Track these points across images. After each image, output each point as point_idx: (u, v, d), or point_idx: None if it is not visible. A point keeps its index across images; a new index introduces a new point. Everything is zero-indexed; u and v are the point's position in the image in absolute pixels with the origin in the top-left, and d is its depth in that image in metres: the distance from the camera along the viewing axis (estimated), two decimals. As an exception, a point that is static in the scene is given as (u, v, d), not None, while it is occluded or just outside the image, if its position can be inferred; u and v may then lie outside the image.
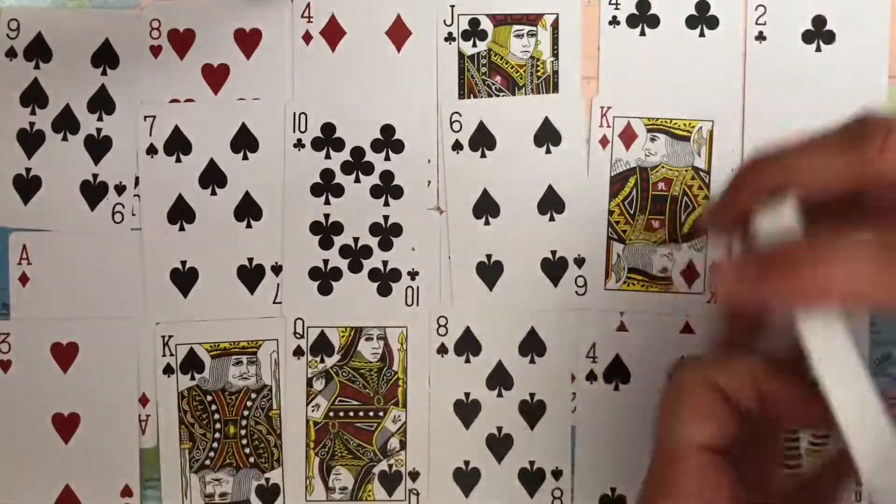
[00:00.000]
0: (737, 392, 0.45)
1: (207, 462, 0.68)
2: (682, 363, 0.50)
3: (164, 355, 0.68)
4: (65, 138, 0.68)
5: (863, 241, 0.40)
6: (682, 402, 0.46)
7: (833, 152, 0.43)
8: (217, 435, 0.68)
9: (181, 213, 0.68)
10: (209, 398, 0.68)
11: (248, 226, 0.68)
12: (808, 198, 0.44)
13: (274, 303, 0.68)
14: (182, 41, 0.68)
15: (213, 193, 0.68)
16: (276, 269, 0.68)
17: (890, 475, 0.42)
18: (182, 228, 0.68)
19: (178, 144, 0.68)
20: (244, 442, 0.68)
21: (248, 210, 0.68)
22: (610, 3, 0.68)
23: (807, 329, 0.43)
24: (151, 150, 0.68)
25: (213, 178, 0.68)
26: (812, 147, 0.44)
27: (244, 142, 0.68)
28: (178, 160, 0.68)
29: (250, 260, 0.68)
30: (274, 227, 0.68)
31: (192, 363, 0.68)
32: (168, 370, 0.68)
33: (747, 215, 0.46)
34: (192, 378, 0.68)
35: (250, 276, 0.68)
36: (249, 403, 0.68)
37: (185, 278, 0.68)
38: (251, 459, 0.68)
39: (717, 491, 0.45)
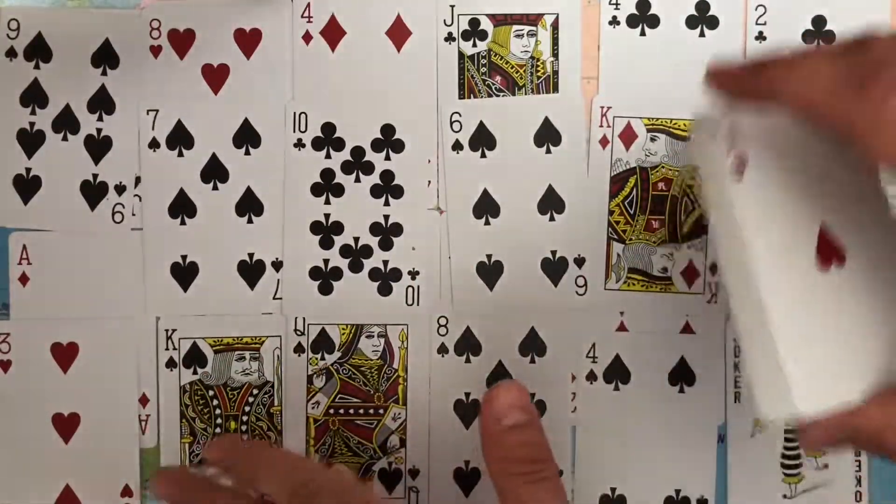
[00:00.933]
0: None
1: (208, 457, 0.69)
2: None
3: (167, 349, 0.68)
4: (65, 138, 0.68)
5: (829, 60, 0.40)
6: None
7: (832, 81, 0.40)
8: (218, 430, 0.69)
9: (182, 207, 0.68)
10: (211, 393, 0.68)
11: (250, 221, 0.68)
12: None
13: (274, 298, 0.68)
14: (182, 41, 0.68)
15: (215, 188, 0.68)
16: (277, 265, 0.68)
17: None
18: (183, 223, 0.68)
19: (180, 139, 0.68)
20: (244, 438, 0.68)
21: (249, 205, 0.68)
22: (610, 3, 0.68)
23: (699, 156, 0.45)
24: (154, 144, 0.68)
25: (214, 172, 0.68)
26: (812, 68, 0.41)
27: (246, 137, 0.68)
28: (181, 154, 0.68)
29: (251, 255, 0.68)
30: (275, 223, 0.68)
31: (194, 357, 0.68)
32: (171, 364, 0.68)
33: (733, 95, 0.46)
34: (195, 372, 0.68)
35: (250, 271, 0.68)
36: (251, 399, 0.68)
37: (185, 273, 0.68)
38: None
39: None
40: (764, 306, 0.42)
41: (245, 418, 0.68)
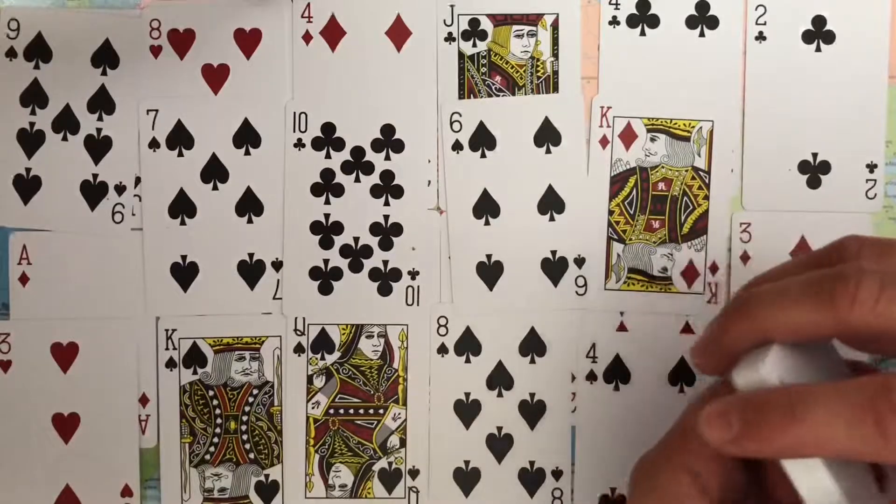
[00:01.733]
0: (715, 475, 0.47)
1: (207, 457, 0.69)
2: (652, 458, 0.49)
3: (166, 349, 0.68)
4: (65, 138, 0.68)
5: (796, 290, 0.42)
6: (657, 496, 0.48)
7: (805, 307, 0.42)
8: (218, 430, 0.69)
9: (182, 207, 0.68)
10: (211, 393, 0.68)
11: (249, 221, 0.68)
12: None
13: (274, 299, 0.68)
14: (182, 41, 0.68)
15: (215, 188, 0.68)
16: (277, 265, 0.68)
17: None
18: (183, 223, 0.68)
19: (180, 139, 0.68)
20: (244, 437, 0.69)
21: (249, 205, 0.68)
22: (610, 3, 0.68)
23: (792, 472, 0.43)
24: (154, 144, 0.68)
25: (214, 172, 0.68)
26: (785, 301, 0.43)
27: (246, 137, 0.68)
28: (181, 154, 0.68)
29: (251, 255, 0.68)
30: (275, 223, 0.68)
31: (194, 357, 0.68)
32: (170, 364, 0.68)
33: (731, 363, 0.47)
34: (195, 372, 0.68)
35: (250, 271, 0.68)
36: (251, 399, 0.68)
37: (185, 273, 0.68)
38: (251, 455, 0.69)
39: None
40: None
41: (245, 418, 0.68)
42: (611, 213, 0.68)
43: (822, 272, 0.43)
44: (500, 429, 0.68)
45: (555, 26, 0.68)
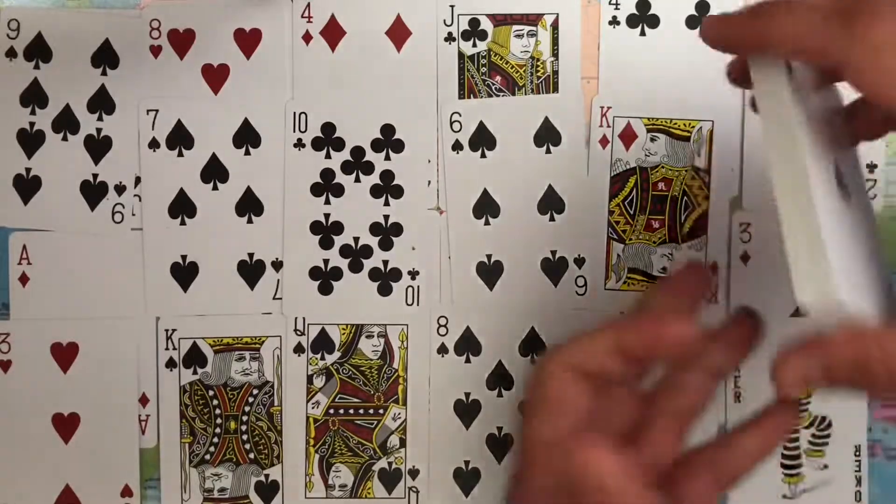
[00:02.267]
0: (600, 365, 0.48)
1: (207, 457, 0.69)
2: (541, 358, 0.51)
3: (166, 349, 0.68)
4: (65, 138, 0.68)
5: (818, 2, 0.42)
6: (540, 398, 0.49)
7: (818, 18, 0.42)
8: (218, 430, 0.69)
9: (182, 207, 0.68)
10: (211, 393, 0.68)
11: (249, 221, 0.68)
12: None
13: (274, 299, 0.68)
14: (182, 41, 0.68)
15: (215, 188, 0.68)
16: (277, 265, 0.68)
17: (817, 263, 0.43)
18: (183, 223, 0.68)
19: (180, 139, 0.68)
20: (244, 438, 0.69)
21: (249, 205, 0.68)
22: (610, 3, 0.68)
23: (756, 81, 0.45)
24: (154, 144, 0.68)
25: (214, 172, 0.68)
26: (799, 8, 0.43)
27: (246, 137, 0.68)
28: (181, 154, 0.68)
29: (251, 255, 0.68)
30: (275, 223, 0.68)
31: (194, 357, 0.68)
32: (171, 364, 0.68)
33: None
34: (195, 372, 0.68)
35: (250, 271, 0.68)
36: (251, 399, 0.68)
37: (185, 273, 0.68)
38: (251, 455, 0.69)
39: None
40: (812, 199, 0.43)
41: (245, 418, 0.68)
42: (611, 213, 0.68)
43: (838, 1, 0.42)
44: (500, 429, 0.68)
45: (555, 26, 0.68)
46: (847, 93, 0.47)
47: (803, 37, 0.42)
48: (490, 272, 0.68)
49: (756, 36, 0.44)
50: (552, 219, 0.68)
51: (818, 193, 0.43)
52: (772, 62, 0.45)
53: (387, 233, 0.68)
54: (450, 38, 0.68)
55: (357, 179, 0.68)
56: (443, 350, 0.68)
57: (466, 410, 0.68)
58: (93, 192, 0.68)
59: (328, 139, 0.68)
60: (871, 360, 0.43)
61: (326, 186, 0.68)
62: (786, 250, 0.44)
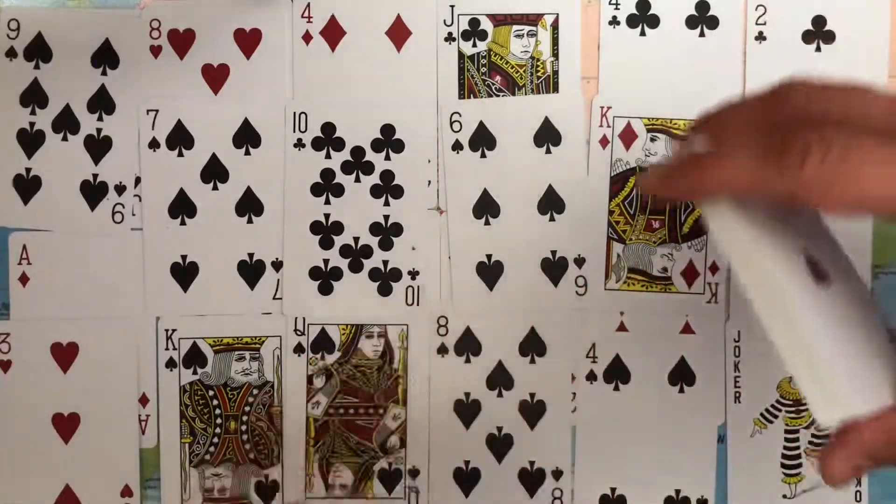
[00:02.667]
0: None
1: (207, 457, 0.69)
2: None
3: (166, 349, 0.68)
4: (65, 138, 0.68)
5: (743, 145, 0.43)
6: None
7: (752, 165, 0.43)
8: (218, 430, 0.69)
9: (182, 207, 0.68)
10: (211, 393, 0.68)
11: (249, 221, 0.68)
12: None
13: (274, 299, 0.68)
14: (182, 41, 0.68)
15: (215, 188, 0.68)
16: (277, 265, 0.68)
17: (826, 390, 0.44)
18: (183, 223, 0.68)
19: (180, 139, 0.68)
20: (244, 438, 0.69)
21: (249, 205, 0.68)
22: (610, 3, 0.68)
23: (711, 225, 0.45)
24: (154, 144, 0.68)
25: (214, 172, 0.68)
26: (731, 158, 0.43)
27: (246, 137, 0.68)
28: (181, 154, 0.68)
29: (251, 255, 0.68)
30: (275, 223, 0.68)
31: (194, 357, 0.68)
32: (171, 364, 0.68)
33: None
34: (195, 372, 0.68)
35: (250, 271, 0.68)
36: (251, 399, 0.68)
37: (185, 273, 0.68)
38: (251, 455, 0.69)
39: None
40: (799, 322, 0.44)
41: (245, 418, 0.68)
42: (611, 213, 0.68)
43: (771, 138, 0.43)
44: (500, 429, 0.68)
45: (555, 26, 0.68)
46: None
47: (741, 181, 0.43)
48: (490, 272, 0.68)
49: (696, 186, 0.45)
50: (552, 219, 0.68)
51: (803, 306, 0.44)
52: (717, 202, 0.45)
53: (387, 233, 0.68)
54: (450, 38, 0.68)
55: (357, 179, 0.68)
56: (443, 350, 0.68)
57: (466, 410, 0.68)
58: (93, 192, 0.68)
59: (328, 139, 0.68)
60: None
61: (326, 186, 0.68)
62: (792, 377, 0.44)
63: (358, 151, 0.68)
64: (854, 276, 0.51)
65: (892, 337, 0.49)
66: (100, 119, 0.68)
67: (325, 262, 0.68)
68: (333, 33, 0.68)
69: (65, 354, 0.68)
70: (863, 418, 0.44)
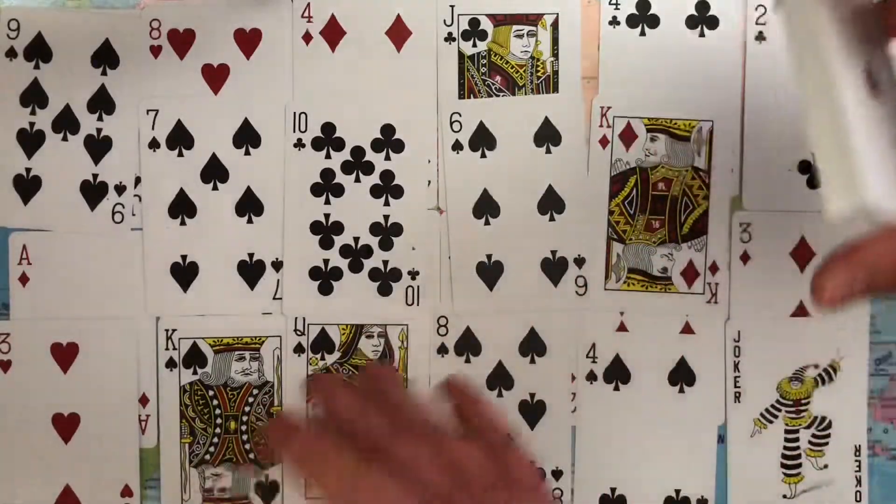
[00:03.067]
0: None
1: (207, 457, 0.69)
2: None
3: (166, 349, 0.68)
4: (65, 138, 0.68)
5: None
6: None
7: None
8: (218, 430, 0.69)
9: (182, 207, 0.68)
10: (211, 393, 0.68)
11: (249, 221, 0.68)
12: None
13: (274, 299, 0.68)
14: (182, 41, 0.68)
15: (215, 188, 0.68)
16: (277, 265, 0.68)
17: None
18: (183, 223, 0.68)
19: (180, 139, 0.68)
20: (244, 438, 0.69)
21: (249, 205, 0.68)
22: (610, 3, 0.68)
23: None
24: (154, 144, 0.68)
25: (214, 172, 0.68)
26: None
27: (246, 137, 0.68)
28: (181, 154, 0.68)
29: (251, 255, 0.68)
30: (275, 223, 0.68)
31: (194, 357, 0.68)
32: (171, 364, 0.68)
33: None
34: (195, 372, 0.68)
35: (250, 271, 0.68)
36: (251, 399, 0.68)
37: (185, 273, 0.68)
38: (251, 455, 0.69)
39: None
40: (843, 114, 0.43)
41: (245, 418, 0.68)
42: (611, 213, 0.68)
43: None
44: (500, 429, 0.68)
45: (555, 26, 0.68)
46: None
47: None
48: (490, 272, 0.68)
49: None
50: (552, 219, 0.68)
51: (847, 101, 0.43)
52: None
53: (387, 233, 0.68)
54: (450, 38, 0.68)
55: (357, 179, 0.68)
56: (443, 350, 0.68)
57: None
58: (93, 192, 0.68)
59: (328, 139, 0.68)
60: None
61: (326, 186, 0.68)
62: (816, 162, 0.44)
63: (358, 151, 0.68)
64: None
65: None
66: (100, 119, 0.68)
67: (325, 262, 0.68)
68: (333, 33, 0.68)
69: (65, 354, 0.68)
70: (876, 235, 0.43)
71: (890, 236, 0.43)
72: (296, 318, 0.68)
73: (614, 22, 0.68)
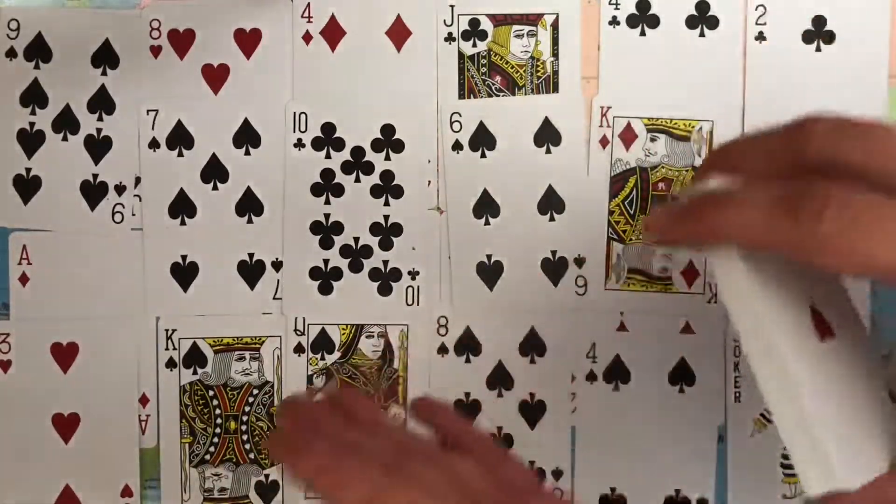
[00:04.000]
0: None
1: (207, 457, 0.69)
2: None
3: (166, 349, 0.68)
4: (65, 138, 0.68)
5: (760, 192, 0.41)
6: None
7: (765, 214, 0.41)
8: (218, 430, 0.69)
9: (182, 207, 0.68)
10: (211, 393, 0.68)
11: (249, 221, 0.68)
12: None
13: (274, 299, 0.68)
14: (182, 41, 0.68)
15: (215, 188, 0.68)
16: (277, 265, 0.68)
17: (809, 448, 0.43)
18: (183, 223, 0.68)
19: (180, 139, 0.68)
20: (245, 437, 0.69)
21: (249, 205, 0.68)
22: (610, 3, 0.68)
23: (716, 272, 0.44)
24: (154, 144, 0.68)
25: (214, 172, 0.68)
26: (745, 205, 0.42)
27: (246, 137, 0.68)
28: (181, 154, 0.68)
29: (251, 255, 0.68)
30: (275, 223, 0.68)
31: (194, 357, 0.68)
32: (171, 364, 0.68)
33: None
34: (195, 372, 0.68)
35: (250, 271, 0.68)
36: (251, 399, 0.68)
37: (185, 273, 0.68)
38: (251, 455, 0.69)
39: None
40: (795, 385, 0.43)
41: (245, 418, 0.68)
42: (611, 213, 0.68)
43: (788, 188, 0.41)
44: (500, 429, 0.68)
45: (555, 26, 0.68)
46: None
47: (751, 230, 0.42)
48: (490, 272, 0.68)
49: (704, 231, 0.43)
50: (552, 219, 0.68)
51: (801, 367, 0.43)
52: (726, 249, 0.44)
53: (387, 233, 0.68)
54: (450, 38, 0.68)
55: (357, 179, 0.68)
56: (443, 350, 0.68)
57: (466, 410, 0.68)
58: (93, 192, 0.68)
59: (328, 139, 0.68)
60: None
61: (326, 186, 0.68)
62: (784, 441, 0.44)
63: (358, 151, 0.68)
64: (860, 329, 0.50)
65: (892, 397, 0.49)
66: (100, 119, 0.68)
67: (325, 262, 0.68)
68: (333, 33, 0.68)
69: (65, 354, 0.68)
70: (856, 493, 0.43)
71: (870, 487, 0.44)
72: (296, 318, 0.68)
73: (614, 22, 0.68)
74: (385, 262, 0.68)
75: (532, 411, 0.68)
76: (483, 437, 0.52)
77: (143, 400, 0.68)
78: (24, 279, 0.68)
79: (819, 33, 0.67)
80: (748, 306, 0.44)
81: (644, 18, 0.68)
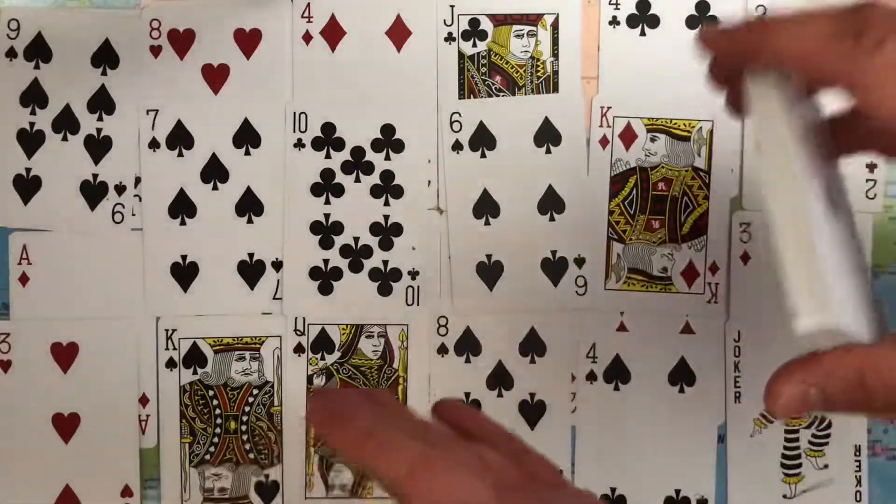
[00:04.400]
0: None
1: (207, 457, 0.69)
2: None
3: (166, 349, 0.68)
4: (65, 138, 0.68)
5: (823, 18, 0.41)
6: None
7: (826, 34, 0.41)
8: (218, 430, 0.69)
9: (182, 207, 0.68)
10: (211, 393, 0.68)
11: (249, 221, 0.68)
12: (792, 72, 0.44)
13: (274, 299, 0.68)
14: (182, 41, 0.68)
15: (215, 188, 0.68)
16: (277, 265, 0.68)
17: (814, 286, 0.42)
18: (183, 223, 0.68)
19: (180, 139, 0.68)
20: (244, 437, 0.69)
21: (249, 205, 0.68)
22: (610, 3, 0.68)
23: (752, 92, 0.45)
24: (154, 144, 0.68)
25: (214, 172, 0.68)
26: (807, 23, 0.42)
27: (246, 137, 0.68)
28: (181, 154, 0.68)
29: (251, 255, 0.68)
30: (275, 223, 0.68)
31: (194, 357, 0.68)
32: (171, 364, 0.68)
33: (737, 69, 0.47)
34: (195, 372, 0.68)
35: (250, 271, 0.68)
36: (251, 399, 0.68)
37: (185, 273, 0.68)
38: (251, 455, 0.69)
39: None
40: (808, 210, 0.43)
41: (245, 418, 0.68)
42: (611, 213, 0.68)
43: (852, 16, 0.41)
44: (500, 429, 0.68)
45: (555, 26, 0.68)
46: (829, 105, 0.48)
47: (810, 52, 0.41)
48: (490, 272, 0.68)
49: (761, 47, 0.43)
50: (552, 219, 0.68)
51: (817, 217, 0.43)
52: (771, 75, 0.44)
53: (387, 233, 0.68)
54: (450, 38, 0.68)
55: (357, 179, 0.68)
56: (443, 350, 0.68)
57: (466, 410, 0.68)
58: (93, 192, 0.68)
59: (328, 139, 0.68)
60: (865, 375, 0.42)
61: (326, 186, 0.68)
62: (782, 275, 0.43)
63: (358, 151, 0.68)
64: (851, 216, 0.50)
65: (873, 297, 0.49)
66: (100, 119, 0.68)
67: (325, 262, 0.68)
68: (333, 33, 0.68)
69: (65, 354, 0.68)
70: (828, 352, 0.43)
71: (838, 353, 0.43)
72: (296, 318, 0.68)
73: (614, 22, 0.68)
74: (385, 262, 0.68)
75: (532, 411, 0.68)
76: (506, 432, 0.52)
77: (143, 400, 0.68)
78: (24, 279, 0.68)
79: (819, 33, 0.67)
80: (779, 129, 0.44)
81: (644, 18, 0.68)
